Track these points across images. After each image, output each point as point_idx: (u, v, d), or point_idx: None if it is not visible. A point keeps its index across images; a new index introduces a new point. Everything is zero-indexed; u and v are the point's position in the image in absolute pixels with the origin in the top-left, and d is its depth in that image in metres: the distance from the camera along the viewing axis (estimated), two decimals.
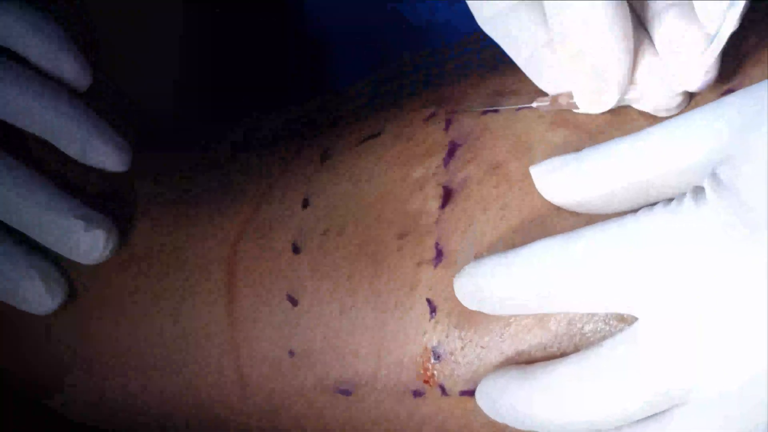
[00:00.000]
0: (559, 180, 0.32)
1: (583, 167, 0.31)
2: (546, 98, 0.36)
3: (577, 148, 0.33)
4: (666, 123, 0.30)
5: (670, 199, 0.29)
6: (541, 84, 0.35)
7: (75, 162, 0.43)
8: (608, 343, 0.30)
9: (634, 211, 0.30)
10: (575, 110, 0.36)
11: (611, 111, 0.34)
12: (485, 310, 0.32)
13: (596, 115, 0.35)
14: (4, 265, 0.41)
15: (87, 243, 0.41)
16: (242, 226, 0.41)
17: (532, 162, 0.34)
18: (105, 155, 0.43)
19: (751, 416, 0.27)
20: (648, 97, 0.33)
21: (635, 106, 0.34)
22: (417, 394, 0.35)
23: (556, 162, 0.32)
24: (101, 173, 0.43)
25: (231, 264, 0.40)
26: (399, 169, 0.37)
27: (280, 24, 0.66)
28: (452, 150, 0.37)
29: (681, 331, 0.28)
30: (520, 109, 0.37)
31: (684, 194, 0.29)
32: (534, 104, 0.36)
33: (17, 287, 0.41)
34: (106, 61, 0.48)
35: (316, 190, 0.39)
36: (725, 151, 0.28)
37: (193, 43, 0.55)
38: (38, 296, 0.41)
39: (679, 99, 0.33)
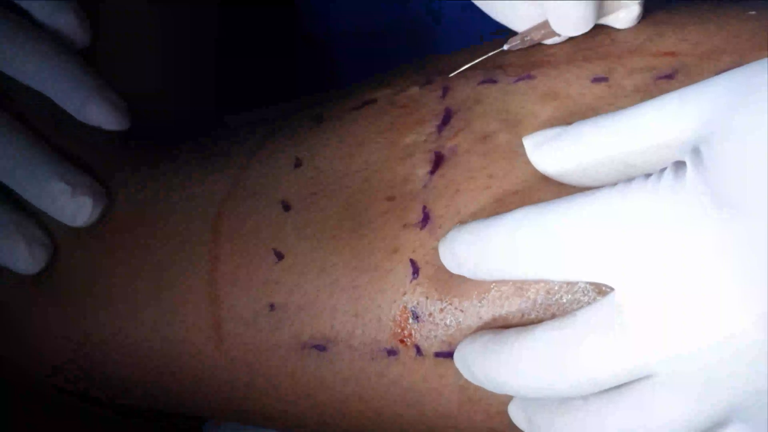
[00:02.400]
0: (549, 150, 0.32)
1: (572, 138, 0.32)
2: (516, 37, 0.37)
3: (567, 123, 0.34)
4: (654, 100, 0.30)
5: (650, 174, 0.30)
6: (516, 25, 0.37)
7: (65, 127, 0.43)
8: (583, 312, 0.30)
9: None
10: (551, 40, 0.37)
11: (603, 87, 0.35)
12: (465, 275, 0.33)
13: (587, 91, 0.35)
14: None
15: (74, 207, 0.41)
16: (231, 185, 0.41)
17: (521, 134, 0.35)
18: (104, 114, 0.43)
19: (716, 394, 0.28)
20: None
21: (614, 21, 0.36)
22: (391, 353, 0.35)
23: (547, 133, 0.33)
24: (91, 139, 0.43)
25: (217, 223, 0.40)
26: (392, 134, 0.38)
27: (286, 24, 0.66)
28: (447, 117, 0.37)
29: (651, 304, 0.28)
30: (491, 55, 0.38)
31: (665, 168, 0.29)
32: (506, 46, 0.38)
33: (0, 247, 0.41)
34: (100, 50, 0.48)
35: (309, 151, 0.40)
36: (709, 129, 0.28)
37: (192, 43, 0.55)
38: (21, 257, 0.42)
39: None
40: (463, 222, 0.34)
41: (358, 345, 0.36)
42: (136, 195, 0.43)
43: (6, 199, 0.42)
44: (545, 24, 0.37)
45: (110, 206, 0.43)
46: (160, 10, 0.51)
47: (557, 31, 0.36)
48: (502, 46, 0.38)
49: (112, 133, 0.44)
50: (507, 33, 0.39)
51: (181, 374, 0.41)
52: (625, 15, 0.37)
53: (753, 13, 0.36)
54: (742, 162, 0.27)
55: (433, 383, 0.35)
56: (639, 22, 0.37)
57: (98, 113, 0.43)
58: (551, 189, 0.33)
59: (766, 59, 0.29)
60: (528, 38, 0.38)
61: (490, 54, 0.38)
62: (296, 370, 0.38)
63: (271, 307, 0.38)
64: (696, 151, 0.28)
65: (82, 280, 0.42)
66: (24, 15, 0.44)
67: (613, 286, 0.29)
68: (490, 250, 0.31)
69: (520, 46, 0.38)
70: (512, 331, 0.32)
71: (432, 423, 0.36)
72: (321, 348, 0.37)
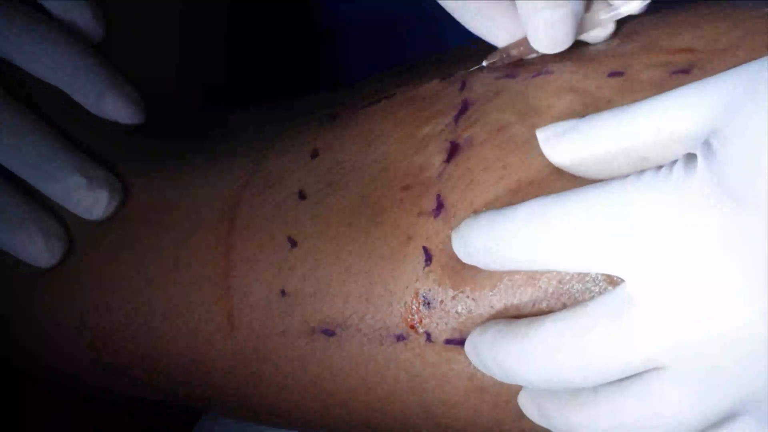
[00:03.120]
0: (562, 142, 0.33)
1: (584, 130, 0.32)
2: (495, 53, 0.37)
3: (582, 115, 0.34)
4: (667, 93, 0.31)
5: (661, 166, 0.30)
6: (492, 38, 0.37)
7: (80, 120, 0.43)
8: (594, 303, 0.30)
9: None
10: (530, 56, 0.37)
11: (619, 80, 0.35)
12: (478, 265, 0.33)
13: (604, 85, 0.35)
14: (5, 216, 0.41)
15: (90, 200, 0.42)
16: (248, 173, 0.41)
17: (537, 126, 0.35)
18: (120, 107, 0.44)
19: (723, 386, 0.28)
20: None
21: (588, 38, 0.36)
22: (400, 338, 0.35)
23: (560, 126, 0.33)
24: (106, 131, 0.44)
25: (233, 212, 0.40)
26: (409, 126, 0.38)
27: (299, 17, 0.66)
28: (464, 108, 0.37)
29: (660, 295, 0.29)
30: (472, 71, 0.39)
31: (676, 161, 0.29)
32: (484, 63, 0.38)
33: (16, 239, 0.42)
34: (113, 43, 0.48)
35: (326, 143, 0.40)
36: (721, 122, 0.29)
37: (206, 35, 0.55)
38: (38, 250, 0.42)
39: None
40: (476, 212, 0.34)
41: (368, 330, 0.36)
42: (150, 185, 0.44)
43: (22, 191, 0.43)
44: (524, 41, 0.37)
45: (124, 199, 0.43)
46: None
47: (536, 48, 0.37)
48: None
49: (128, 125, 0.45)
50: None
51: (190, 362, 0.41)
52: (598, 33, 0.38)
53: (767, 10, 0.36)
54: (752, 155, 0.27)
55: (442, 370, 0.35)
56: (655, 20, 0.37)
57: (113, 107, 0.44)
58: (565, 180, 0.33)
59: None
60: (506, 55, 0.38)
61: (471, 70, 0.39)
62: (304, 355, 0.38)
63: (283, 293, 0.38)
64: (707, 144, 0.28)
65: (96, 270, 0.43)
66: (39, 9, 0.44)
67: (624, 278, 0.30)
68: (502, 241, 0.32)
69: (498, 64, 0.38)
70: (524, 320, 0.32)
71: (436, 413, 0.36)
72: (330, 333, 0.37)
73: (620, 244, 0.29)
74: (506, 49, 0.38)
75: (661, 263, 0.29)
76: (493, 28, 0.38)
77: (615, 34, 0.38)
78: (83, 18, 0.45)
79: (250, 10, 0.60)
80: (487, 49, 0.39)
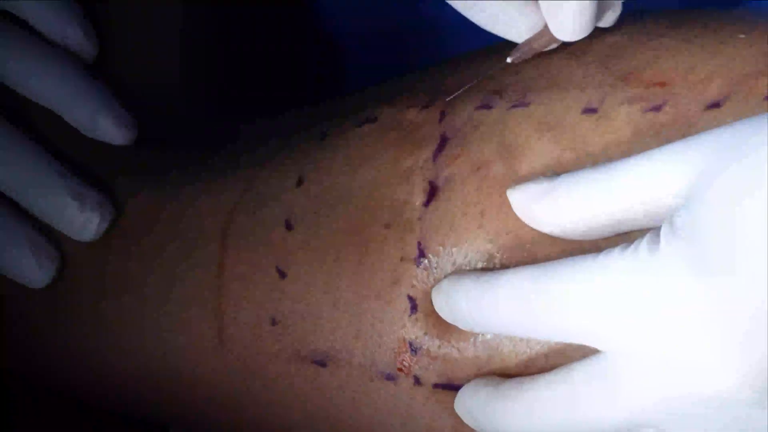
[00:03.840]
0: (534, 210, 0.33)
1: (557, 198, 0.33)
2: (518, 49, 0.37)
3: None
4: (638, 158, 0.31)
5: (632, 241, 0.31)
6: (512, 34, 0.38)
7: (74, 137, 0.44)
8: (578, 367, 0.32)
9: (609, 240, 0.32)
10: (554, 45, 0.38)
11: (593, 119, 0.35)
12: (459, 326, 0.34)
13: (578, 123, 0.36)
14: None
15: (81, 222, 0.42)
16: (237, 199, 0.42)
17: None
18: (112, 128, 0.44)
19: None
20: None
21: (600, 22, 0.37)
22: (389, 377, 0.37)
23: (532, 188, 0.33)
24: (100, 148, 0.44)
25: (224, 235, 0.41)
26: (390, 157, 0.38)
27: (296, 25, 0.65)
28: (442, 143, 0.38)
29: (638, 367, 0.30)
30: (490, 72, 0.39)
31: (641, 239, 0.30)
32: (509, 59, 0.38)
33: (9, 260, 0.42)
34: (113, 54, 0.47)
35: (312, 168, 0.41)
36: (688, 194, 0.29)
37: (206, 42, 0.54)
38: (30, 270, 0.43)
39: None
40: (455, 263, 0.35)
41: (358, 365, 0.37)
42: (145, 204, 0.44)
43: (15, 212, 0.43)
44: (544, 32, 0.37)
45: (118, 217, 0.44)
46: (167, 8, 0.50)
47: (558, 37, 0.37)
48: (502, 60, 0.39)
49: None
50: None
51: (179, 380, 0.42)
52: (610, 15, 0.38)
53: (743, 36, 0.36)
54: (726, 227, 0.28)
55: (431, 410, 0.36)
56: (632, 46, 0.37)
57: (106, 129, 0.44)
58: (542, 234, 0.34)
59: (744, 122, 0.29)
60: (528, 48, 0.38)
61: (493, 70, 0.39)
62: (294, 378, 0.39)
63: (273, 321, 0.39)
64: (671, 222, 0.29)
65: (91, 289, 0.44)
66: (31, 30, 0.44)
67: (600, 349, 0.31)
68: (483, 310, 0.33)
69: (522, 58, 0.38)
70: (513, 382, 0.33)
71: None
72: (321, 363, 0.38)
73: (592, 320, 0.30)
74: (528, 42, 0.38)
75: (632, 337, 0.30)
76: (512, 24, 0.38)
77: (592, 57, 0.38)
78: (75, 38, 0.45)
79: (249, 19, 0.60)
80: (470, 61, 0.39)
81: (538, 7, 0.37)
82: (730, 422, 0.29)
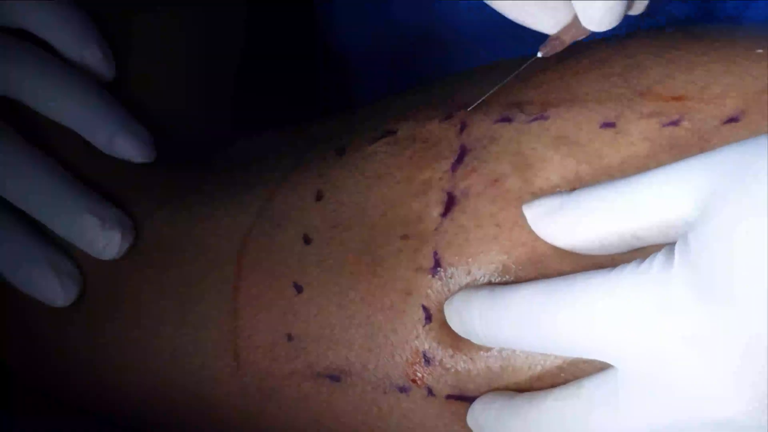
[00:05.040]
0: (550, 225, 0.33)
1: (571, 213, 0.33)
2: (548, 43, 0.38)
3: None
4: (653, 174, 0.31)
5: (647, 255, 0.31)
6: (542, 26, 0.37)
7: (93, 156, 0.44)
8: (588, 383, 0.32)
9: (624, 255, 0.32)
10: (582, 36, 0.38)
11: (611, 133, 0.35)
12: (472, 339, 0.34)
13: (596, 137, 0.36)
14: (20, 257, 0.42)
15: (103, 241, 0.42)
16: (255, 217, 0.42)
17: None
18: (131, 147, 0.44)
19: None
20: None
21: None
22: (403, 389, 0.37)
23: (547, 203, 0.33)
24: (119, 168, 0.44)
25: (241, 256, 0.41)
26: (409, 169, 0.39)
27: (308, 42, 0.65)
28: (461, 155, 0.38)
29: (647, 386, 0.30)
30: (524, 68, 0.38)
31: (656, 255, 0.30)
32: (540, 53, 0.38)
33: (32, 279, 0.43)
34: (132, 75, 0.48)
35: (330, 183, 0.41)
36: (701, 212, 0.29)
37: (223, 63, 0.55)
38: (52, 290, 0.43)
39: None
40: (471, 274, 0.35)
41: (371, 378, 0.37)
42: (162, 225, 0.44)
43: (37, 232, 0.44)
44: (574, 24, 0.37)
45: (137, 238, 0.44)
46: (187, 27, 0.51)
47: (592, 28, 0.37)
48: (533, 61, 0.39)
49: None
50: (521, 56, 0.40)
51: (195, 403, 0.42)
52: (639, 4, 0.37)
53: (760, 51, 0.36)
54: (727, 254, 0.28)
55: (444, 422, 0.36)
56: (650, 60, 0.37)
57: (125, 147, 0.44)
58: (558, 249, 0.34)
59: (753, 141, 0.29)
60: (558, 41, 0.38)
61: (524, 66, 0.39)
62: (309, 396, 0.39)
63: (289, 337, 0.39)
64: (684, 239, 0.29)
65: (108, 307, 0.44)
66: (50, 50, 0.44)
67: (613, 365, 0.31)
68: (495, 324, 0.33)
69: (552, 51, 0.38)
70: (525, 397, 0.33)
71: None
72: (335, 378, 0.38)
73: (604, 336, 0.30)
74: (558, 35, 0.38)
75: (642, 355, 0.30)
76: (542, 15, 0.37)
77: (612, 70, 0.38)
78: (94, 59, 0.45)
79: (260, 35, 0.60)
80: (488, 73, 0.39)
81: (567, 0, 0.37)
82: None
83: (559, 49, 0.38)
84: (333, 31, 0.65)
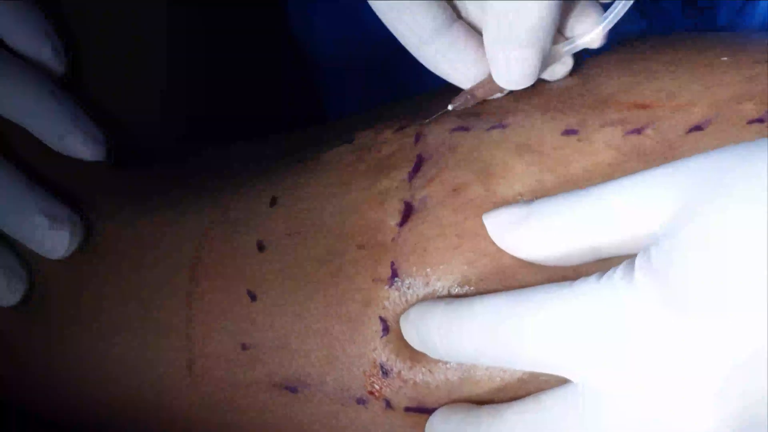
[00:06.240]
0: (511, 236, 0.32)
1: (533, 225, 0.32)
2: (460, 96, 0.37)
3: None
4: (615, 185, 0.30)
5: (611, 267, 0.30)
6: (441, 70, 0.37)
7: (51, 157, 0.43)
8: (547, 401, 0.31)
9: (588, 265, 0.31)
10: (496, 96, 0.37)
11: (573, 140, 0.35)
12: (429, 354, 0.33)
13: (558, 144, 0.35)
14: None
15: (52, 240, 0.41)
16: (209, 224, 0.41)
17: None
18: (82, 145, 0.43)
19: None
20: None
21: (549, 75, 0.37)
22: (360, 401, 0.36)
23: (508, 214, 0.33)
24: (78, 170, 0.43)
25: (196, 262, 0.40)
26: (366, 178, 0.38)
27: (278, 53, 0.65)
28: (418, 165, 0.37)
29: (606, 402, 0.29)
30: (435, 117, 0.38)
31: (616, 269, 0.30)
32: (450, 106, 0.38)
33: None
34: (92, 78, 0.47)
35: (285, 189, 0.40)
36: (666, 224, 0.29)
37: (186, 66, 0.54)
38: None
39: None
40: (429, 285, 0.34)
41: (329, 390, 0.37)
42: (122, 228, 0.44)
43: None
44: (488, 80, 0.37)
45: (95, 241, 0.43)
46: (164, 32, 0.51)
47: (502, 86, 0.36)
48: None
49: (100, 162, 0.44)
50: None
51: (153, 412, 0.41)
52: (560, 68, 0.37)
53: (725, 59, 0.36)
54: (690, 268, 0.27)
55: None
56: (614, 67, 0.37)
57: (75, 146, 0.43)
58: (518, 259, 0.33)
59: (723, 151, 0.29)
60: (471, 96, 0.38)
61: (436, 116, 0.38)
62: (267, 407, 0.38)
63: (243, 346, 0.38)
64: (647, 252, 0.29)
65: (66, 312, 0.43)
66: (4, 47, 0.43)
67: (571, 380, 0.30)
68: (453, 339, 0.32)
69: (463, 105, 0.38)
70: (483, 411, 0.32)
71: None
72: (293, 389, 0.37)
73: (562, 350, 0.30)
74: (471, 90, 0.38)
75: (602, 370, 0.29)
76: (457, 69, 0.37)
77: (573, 80, 0.38)
78: (45, 54, 0.44)
79: (228, 43, 0.60)
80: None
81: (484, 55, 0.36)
82: None
83: (470, 103, 0.38)
84: (307, 40, 0.64)
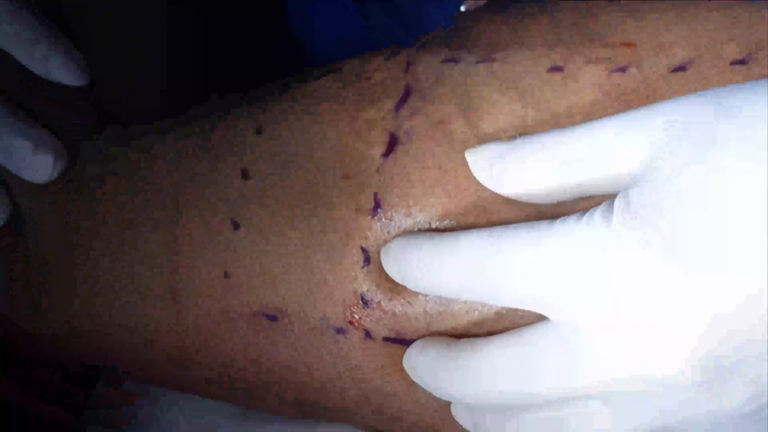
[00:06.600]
0: (493, 173, 0.33)
1: (515, 162, 0.32)
2: None
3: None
4: (597, 125, 0.31)
5: (593, 205, 0.31)
6: None
7: (30, 83, 0.42)
8: (527, 337, 0.32)
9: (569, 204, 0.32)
10: None
11: (558, 78, 0.35)
12: (408, 287, 0.34)
13: (543, 82, 0.35)
14: None
15: (35, 164, 0.41)
16: (195, 149, 0.41)
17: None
18: (64, 69, 0.43)
19: (644, 419, 0.30)
20: None
21: None
22: (340, 331, 0.36)
23: (490, 150, 0.33)
24: (54, 101, 0.43)
25: (180, 188, 0.40)
26: (352, 108, 0.38)
27: (278, 53, 0.64)
28: (405, 95, 0.37)
29: (583, 337, 0.30)
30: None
31: (595, 210, 0.30)
32: (462, 7, 0.38)
33: None
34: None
35: (271, 118, 0.40)
36: (647, 165, 0.29)
37: (188, 68, 0.54)
38: None
39: None
40: (410, 216, 0.35)
41: (309, 319, 0.37)
42: (103, 158, 0.43)
43: None
44: None
45: (73, 165, 0.43)
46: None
47: None
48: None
49: (86, 99, 0.44)
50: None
51: (138, 339, 0.41)
52: None
53: (710, 1, 0.36)
54: (668, 210, 0.28)
55: (381, 364, 0.36)
56: (603, 7, 0.37)
57: (58, 70, 0.43)
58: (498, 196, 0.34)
59: (705, 94, 0.29)
60: None
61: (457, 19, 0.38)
62: (247, 335, 0.39)
63: (226, 274, 0.39)
64: (626, 194, 0.29)
65: (46, 238, 0.43)
66: None
67: (550, 317, 0.31)
68: (433, 273, 0.32)
69: (476, 4, 0.38)
70: (464, 343, 0.33)
71: (376, 401, 0.37)
72: (272, 318, 0.38)
73: (541, 287, 0.30)
74: None
75: (580, 309, 0.30)
76: None
77: (564, 15, 0.37)
78: None
79: (226, 45, 0.59)
80: None
81: None
82: (675, 405, 0.30)
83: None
84: (307, 40, 0.64)
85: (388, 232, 0.35)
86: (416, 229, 0.35)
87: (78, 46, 0.45)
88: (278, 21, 0.65)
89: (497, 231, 0.32)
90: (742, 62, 0.34)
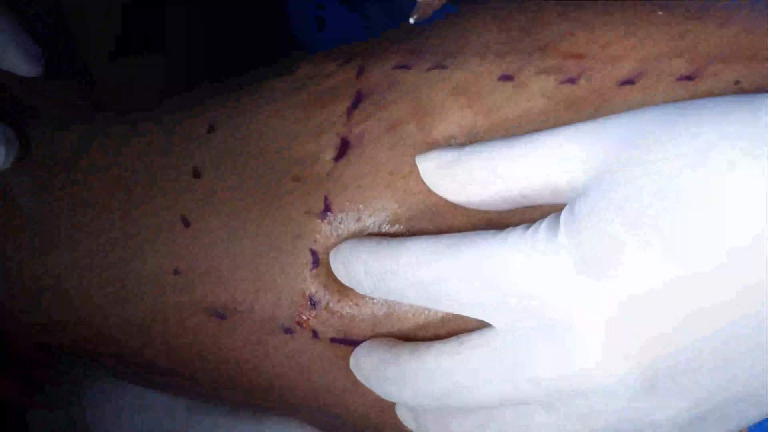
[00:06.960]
0: (442, 180, 0.33)
1: (463, 171, 0.33)
2: (417, 6, 0.38)
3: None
4: (544, 136, 0.31)
5: (539, 215, 0.31)
6: None
7: (30, 83, 0.43)
8: (468, 342, 0.32)
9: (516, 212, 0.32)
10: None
11: (509, 86, 0.35)
12: (356, 290, 0.34)
13: (494, 89, 0.36)
14: None
15: None
16: (149, 144, 0.41)
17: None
18: (18, 59, 0.42)
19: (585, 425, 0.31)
20: None
21: None
22: (288, 331, 0.37)
23: (441, 157, 0.33)
24: (56, 99, 0.43)
25: (134, 182, 0.40)
26: (305, 109, 0.38)
27: (278, 53, 0.64)
28: (357, 99, 0.37)
29: (522, 344, 0.31)
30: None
31: (541, 222, 0.31)
32: (411, 20, 0.39)
33: None
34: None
35: (224, 117, 0.40)
36: (591, 179, 0.30)
37: (188, 68, 0.54)
38: None
39: None
40: (357, 232, 0.35)
41: (257, 318, 0.37)
42: (63, 145, 0.43)
43: None
44: None
45: (29, 150, 0.43)
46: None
47: None
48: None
49: (86, 99, 0.44)
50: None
51: (93, 330, 0.42)
52: None
53: (660, 13, 0.36)
54: (608, 233, 0.28)
55: (328, 363, 0.37)
56: (554, 17, 0.37)
57: (12, 60, 0.42)
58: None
59: (652, 111, 0.30)
60: (426, 5, 0.38)
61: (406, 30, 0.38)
62: (194, 331, 0.39)
63: (175, 272, 0.39)
64: (571, 206, 0.30)
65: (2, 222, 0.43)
66: None
67: (491, 323, 0.31)
68: (380, 277, 0.33)
69: (422, 17, 0.38)
70: (406, 348, 0.34)
71: (323, 399, 0.38)
72: (221, 316, 0.38)
73: (483, 296, 0.31)
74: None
75: (522, 319, 0.30)
76: None
77: (515, 24, 0.38)
78: None
79: (230, 42, 0.59)
80: None
81: None
82: (615, 411, 0.30)
83: (429, 12, 0.38)
84: (307, 40, 0.64)
85: (337, 236, 0.35)
86: (366, 232, 0.35)
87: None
88: (278, 21, 0.65)
89: (444, 239, 0.32)
90: (689, 78, 0.34)
